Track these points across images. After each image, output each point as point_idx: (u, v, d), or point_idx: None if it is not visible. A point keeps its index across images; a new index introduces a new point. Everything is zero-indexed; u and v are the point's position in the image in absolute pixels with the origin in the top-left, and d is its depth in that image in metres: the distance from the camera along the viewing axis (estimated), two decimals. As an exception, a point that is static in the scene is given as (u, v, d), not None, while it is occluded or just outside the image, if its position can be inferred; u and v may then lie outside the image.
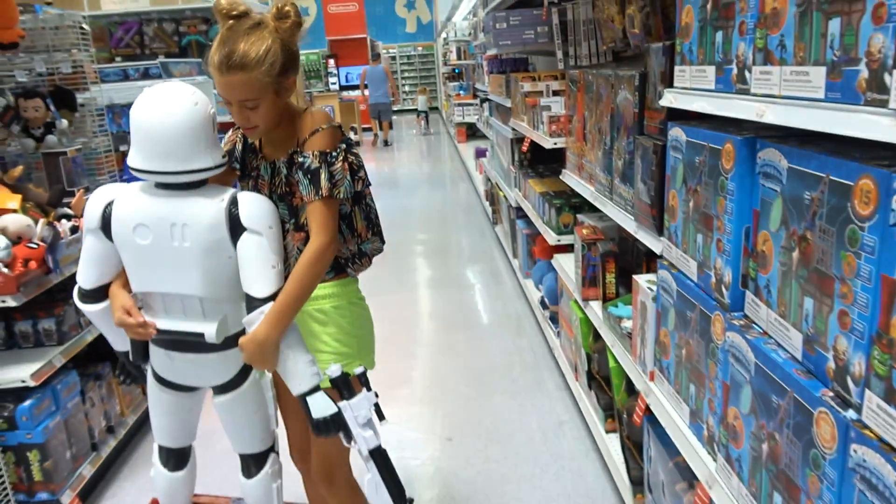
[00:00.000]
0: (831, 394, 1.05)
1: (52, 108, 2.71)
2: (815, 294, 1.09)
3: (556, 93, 3.67)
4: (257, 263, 1.58)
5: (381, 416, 1.62)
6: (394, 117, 14.74)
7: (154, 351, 1.76)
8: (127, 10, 8.40)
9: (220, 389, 1.79)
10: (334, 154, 1.61)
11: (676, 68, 1.65)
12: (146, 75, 5.45)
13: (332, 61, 15.79)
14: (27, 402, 2.33)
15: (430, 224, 7.18)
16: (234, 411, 1.83)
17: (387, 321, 4.28)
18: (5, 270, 2.21)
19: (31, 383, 2.30)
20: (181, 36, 7.96)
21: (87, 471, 2.58)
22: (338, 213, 1.65)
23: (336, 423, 1.57)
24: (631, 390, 2.22)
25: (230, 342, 1.67)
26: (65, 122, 2.79)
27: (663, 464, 1.88)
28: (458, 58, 12.72)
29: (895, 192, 0.90)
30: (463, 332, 4.08)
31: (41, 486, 2.37)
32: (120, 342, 1.82)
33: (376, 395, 1.61)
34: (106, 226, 1.63)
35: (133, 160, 1.56)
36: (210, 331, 1.63)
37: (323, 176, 1.58)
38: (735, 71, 1.34)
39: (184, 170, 1.53)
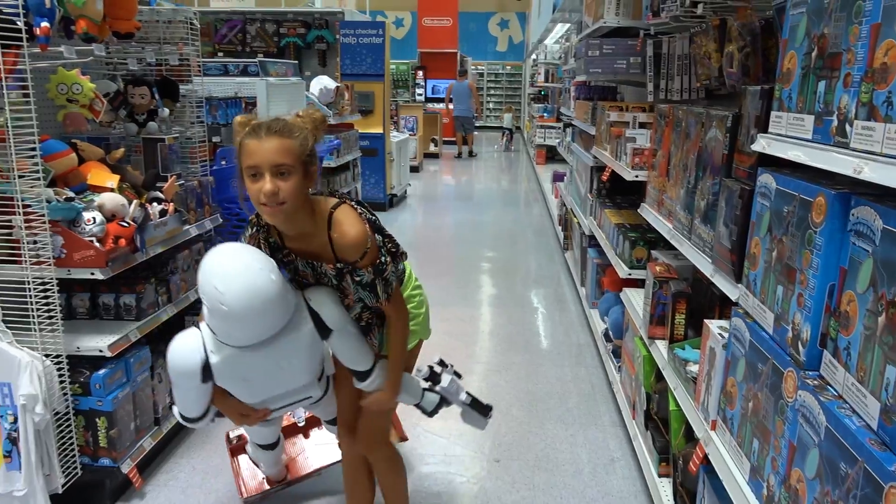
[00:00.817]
0: (907, 471, 1.00)
1: (157, 96, 2.86)
2: (899, 363, 1.04)
3: (642, 125, 3.62)
4: (355, 349, 1.98)
5: (458, 375, 2.24)
6: (476, 133, 14.95)
7: None
8: (234, 9, 8.81)
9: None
10: (384, 260, 1.84)
11: (773, 114, 1.60)
12: (245, 72, 5.67)
13: (420, 73, 16.07)
14: (101, 371, 2.45)
15: (500, 242, 7.18)
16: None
17: (446, 334, 4.31)
18: (97, 245, 2.34)
19: (108, 353, 2.42)
20: (281, 37, 8.31)
21: (147, 443, 2.69)
22: (400, 293, 1.98)
23: (441, 406, 2.24)
24: (689, 437, 2.16)
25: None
26: (166, 111, 2.94)
27: (716, 517, 1.82)
28: (546, 80, 12.71)
29: None
30: (522, 355, 4.05)
31: (105, 453, 2.49)
32: (195, 410, 2.02)
33: (451, 366, 2.24)
34: (206, 375, 1.85)
35: (232, 339, 1.79)
36: (317, 393, 2.08)
37: (380, 288, 1.85)
38: (835, 123, 1.30)
39: (274, 326, 1.81)
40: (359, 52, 7.85)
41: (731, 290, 1.81)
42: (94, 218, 2.35)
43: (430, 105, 14.73)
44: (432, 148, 13.84)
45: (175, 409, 2.05)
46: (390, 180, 8.38)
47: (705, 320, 1.93)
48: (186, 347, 1.84)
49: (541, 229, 7.69)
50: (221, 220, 3.31)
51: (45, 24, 2.17)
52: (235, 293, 1.65)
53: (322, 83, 5.26)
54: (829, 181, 1.38)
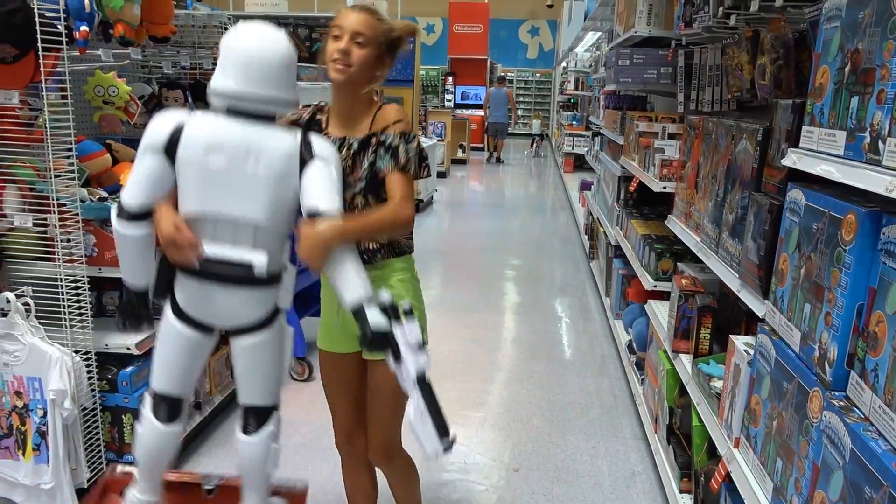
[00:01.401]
0: (934, 497, 0.98)
1: (190, 99, 2.91)
2: (928, 387, 1.02)
3: (671, 136, 3.59)
4: (327, 183, 1.66)
5: (424, 343, 1.65)
6: (505, 140, 15.10)
7: (184, 283, 1.76)
8: (267, 13, 8.93)
9: (245, 331, 1.81)
10: (411, 136, 1.80)
11: (804, 128, 1.58)
12: (276, 76, 5.73)
13: (450, 79, 16.13)
14: (128, 369, 2.50)
15: (525, 249, 7.16)
16: (252, 356, 1.85)
17: (469, 341, 4.31)
18: (128, 244, 2.38)
19: (136, 351, 2.47)
20: (312, 41, 8.37)
21: (171, 441, 2.72)
22: (411, 186, 1.80)
23: (387, 340, 1.59)
24: (712, 453, 2.13)
25: (267, 281, 1.74)
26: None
27: (737, 536, 1.79)
28: (576, 88, 12.67)
29: None
30: (544, 364, 4.03)
31: (129, 449, 2.53)
32: (142, 276, 1.80)
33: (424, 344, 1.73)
34: (171, 147, 1.65)
35: (223, 83, 1.63)
36: (260, 261, 1.67)
37: (402, 151, 1.77)
38: (868, 140, 1.28)
39: (278, 96, 1.64)
40: (389, 58, 7.91)
41: (757, 306, 1.79)
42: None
43: (458, 111, 14.77)
44: (460, 154, 13.87)
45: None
46: (417, 186, 8.40)
47: (731, 336, 1.91)
48: (170, 113, 1.71)
49: (567, 238, 7.66)
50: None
51: (84, 27, 2.23)
52: (251, 33, 1.64)
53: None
54: (860, 199, 1.36)
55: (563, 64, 15.12)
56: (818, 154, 1.49)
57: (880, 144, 1.23)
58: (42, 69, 2.09)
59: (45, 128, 2.17)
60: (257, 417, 1.90)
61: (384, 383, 1.88)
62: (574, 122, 11.83)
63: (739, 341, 1.86)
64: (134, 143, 2.87)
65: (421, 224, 8.21)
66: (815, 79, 1.55)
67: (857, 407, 1.25)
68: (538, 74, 21.35)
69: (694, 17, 3.19)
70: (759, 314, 1.75)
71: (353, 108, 1.83)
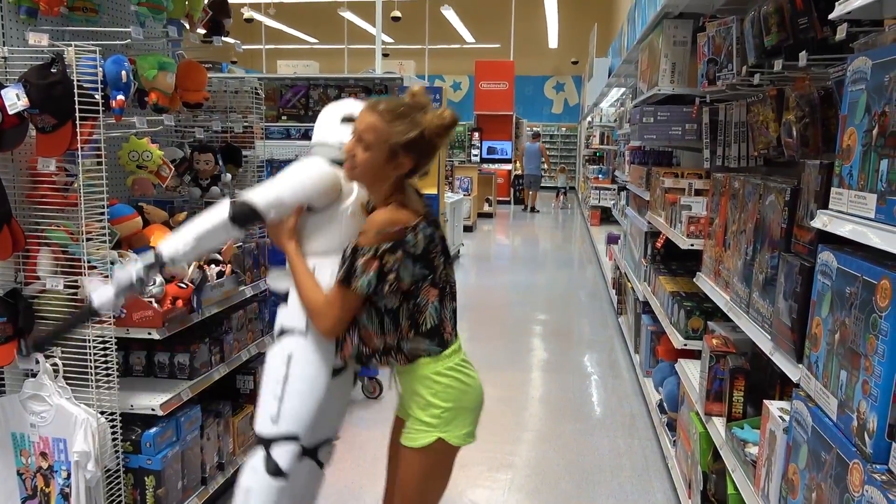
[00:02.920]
0: None
1: (221, 162, 2.98)
2: (977, 466, 0.97)
3: (698, 192, 3.57)
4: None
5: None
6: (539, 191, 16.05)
7: None
8: (298, 75, 9.21)
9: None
10: (364, 249, 1.73)
11: (833, 190, 1.56)
12: (305, 136, 5.89)
13: (476, 134, 16.36)
14: (152, 430, 2.49)
15: (552, 304, 7.10)
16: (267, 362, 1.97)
17: (495, 399, 4.23)
18: (156, 305, 2.41)
19: (160, 412, 2.46)
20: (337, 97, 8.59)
21: (194, 502, 2.69)
22: (349, 303, 1.78)
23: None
24: (749, 523, 2.04)
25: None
26: (229, 176, 3.06)
27: None
28: (601, 142, 12.76)
29: None
30: (572, 424, 3.94)
31: (152, 511, 2.51)
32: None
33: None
34: None
35: None
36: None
37: (345, 266, 1.75)
38: (899, 203, 1.25)
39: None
40: (416, 116, 8.05)
41: (791, 370, 1.73)
42: (154, 280, 2.42)
43: (483, 166, 14.93)
44: (486, 207, 13.96)
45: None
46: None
47: (765, 401, 1.85)
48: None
49: (594, 292, 7.58)
50: (276, 281, 3.37)
51: (121, 97, 2.31)
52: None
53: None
54: (893, 263, 1.33)
55: (589, 118, 15.29)
56: (848, 216, 1.46)
57: (912, 208, 1.21)
58: (79, 137, 2.15)
59: (80, 193, 2.23)
60: (257, 442, 1.97)
61: (403, 470, 1.91)
62: (600, 176, 11.87)
63: (774, 406, 1.79)
64: (164, 204, 2.94)
65: (447, 278, 8.22)
66: (843, 140, 1.53)
67: (901, 482, 1.19)
68: (564, 129, 21.58)
69: (717, 76, 3.20)
70: (794, 379, 1.70)
71: (374, 203, 1.88)
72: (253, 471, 1.90)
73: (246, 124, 3.26)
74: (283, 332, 1.96)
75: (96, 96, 2.19)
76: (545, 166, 16.65)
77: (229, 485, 3.01)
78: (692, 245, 3.03)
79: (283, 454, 1.88)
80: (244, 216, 1.88)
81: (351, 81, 8.42)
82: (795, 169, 2.48)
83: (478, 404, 1.93)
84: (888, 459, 1.24)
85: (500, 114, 16.22)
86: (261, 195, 1.91)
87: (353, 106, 1.92)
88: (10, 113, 2.06)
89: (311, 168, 1.91)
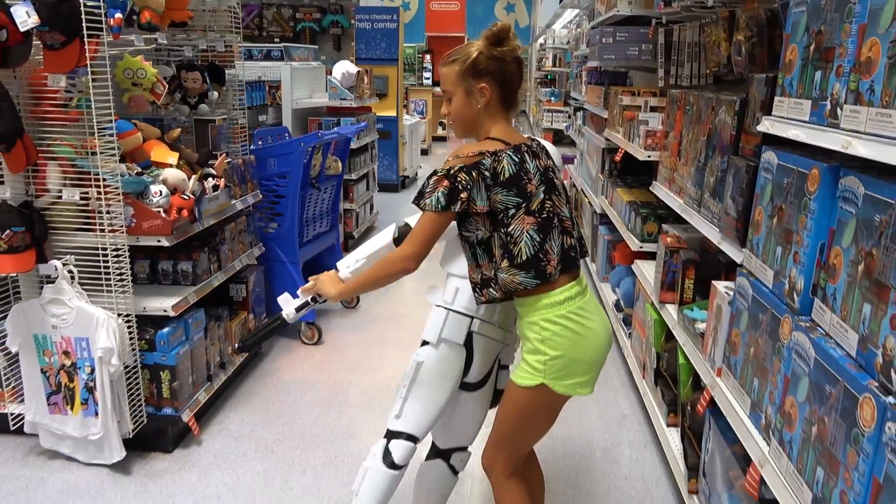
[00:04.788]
0: (876, 384, 1.26)
1: (208, 81, 3.09)
2: (873, 301, 1.30)
3: (653, 108, 3.85)
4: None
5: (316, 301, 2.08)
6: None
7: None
8: (254, -6, 8.98)
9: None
10: (438, 170, 1.77)
11: (776, 99, 1.84)
12: (268, 57, 5.90)
13: (427, 56, 16.22)
14: (165, 329, 2.71)
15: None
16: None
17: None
18: (164, 215, 2.59)
19: (171, 313, 2.68)
20: (297, 22, 8.48)
21: (202, 396, 2.96)
22: (430, 226, 1.78)
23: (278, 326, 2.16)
24: (696, 386, 2.42)
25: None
26: (216, 94, 3.18)
27: (721, 452, 2.08)
28: (554, 65, 12.88)
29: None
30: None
31: (167, 403, 2.75)
32: None
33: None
34: None
35: None
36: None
37: (421, 188, 1.78)
38: (828, 107, 1.54)
39: None
40: (373, 37, 8.05)
41: (736, 254, 2.06)
42: (160, 191, 2.60)
43: (437, 89, 14.91)
44: (440, 131, 14.06)
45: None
46: (403, 162, 8.61)
47: (713, 282, 2.19)
48: None
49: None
50: (260, 196, 3.55)
51: (118, 15, 2.41)
52: None
53: (344, 68, 5.47)
54: (822, 157, 1.63)
55: (541, 41, 15.31)
56: (788, 120, 1.75)
57: (838, 111, 1.49)
58: (87, 54, 2.27)
59: (90, 108, 2.36)
60: (385, 435, 2.04)
61: (505, 402, 1.92)
62: (553, 98, 12.04)
63: (721, 285, 2.13)
64: (154, 122, 3.06)
65: (407, 200, 8.43)
66: (786, 55, 1.80)
67: (819, 326, 1.52)
68: (514, 51, 21.45)
69: (673, -3, 3.43)
70: (738, 260, 2.02)
71: (474, 132, 1.91)
72: (373, 456, 2.02)
73: (226, 43, 3.35)
74: (422, 343, 2.04)
75: (102, 14, 2.29)
76: None
77: (230, 382, 3.29)
78: (649, 156, 3.33)
79: (399, 449, 1.98)
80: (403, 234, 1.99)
81: (305, 1, 8.31)
82: (743, 86, 2.77)
83: (595, 356, 1.84)
84: (811, 311, 1.57)
85: (452, 35, 16.07)
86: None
87: None
88: (22, 30, 2.16)
89: None
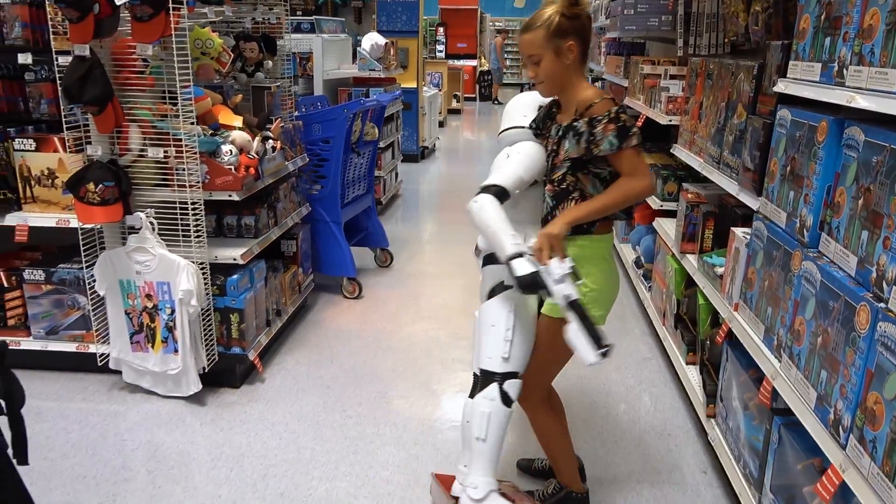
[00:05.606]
0: (871, 294, 1.53)
1: (264, 49, 3.36)
2: (869, 228, 1.57)
3: (672, 76, 4.09)
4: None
5: (577, 278, 1.93)
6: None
7: None
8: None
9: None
10: (611, 114, 1.94)
11: (790, 63, 2.10)
12: (297, 30, 6.13)
13: (441, 29, 16.34)
14: (235, 276, 3.01)
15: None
16: (479, 323, 2.17)
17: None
18: (234, 172, 2.87)
19: (240, 261, 2.98)
20: (322, -5, 8.67)
21: (263, 339, 3.27)
22: (641, 156, 1.99)
23: (535, 281, 1.91)
24: (714, 323, 2.71)
25: (487, 261, 2.21)
26: (270, 63, 3.44)
27: (737, 377, 2.37)
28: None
29: (930, 155, 1.36)
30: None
31: (236, 343, 3.06)
32: None
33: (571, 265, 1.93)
34: None
35: None
36: (480, 238, 2.23)
37: (610, 132, 1.92)
38: (836, 68, 1.80)
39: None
40: (394, 10, 8.24)
41: (753, 202, 2.33)
42: (231, 150, 2.88)
43: (450, 61, 15.07)
44: (454, 104, 14.24)
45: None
46: (423, 133, 8.85)
47: (732, 228, 2.46)
48: None
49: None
50: (307, 159, 3.83)
51: (194, -11, 2.67)
52: None
53: (373, 39, 5.71)
54: (830, 112, 1.88)
55: (553, 13, 15.43)
56: (801, 81, 2.01)
57: (844, 71, 1.75)
58: (172, 25, 2.53)
59: (161, 76, 2.63)
60: (481, 382, 2.13)
61: (539, 334, 2.15)
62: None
63: (739, 231, 2.40)
64: (214, 89, 3.33)
65: (427, 170, 8.72)
66: (800, 24, 2.05)
67: (825, 255, 1.80)
68: (526, 23, 21.50)
69: (693, -30, 3.65)
70: (755, 207, 2.29)
71: (566, 98, 2.09)
72: (490, 400, 2.10)
73: (276, 16, 3.61)
74: (498, 288, 2.14)
75: (180, -11, 2.55)
76: (501, 62, 18.09)
77: (283, 329, 3.60)
78: (670, 121, 3.58)
79: (512, 387, 2.11)
80: (499, 195, 2.07)
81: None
82: (758, 55, 3.01)
83: (614, 294, 2.16)
84: (818, 244, 1.85)
85: (465, 8, 16.19)
86: (508, 175, 2.10)
87: (539, 98, 2.19)
88: (118, 3, 2.43)
89: (532, 148, 2.15)
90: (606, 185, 2.03)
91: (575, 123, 2.00)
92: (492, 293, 2.16)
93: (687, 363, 3.03)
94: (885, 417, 1.40)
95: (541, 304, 2.21)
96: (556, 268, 1.91)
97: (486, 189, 2.07)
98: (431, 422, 2.91)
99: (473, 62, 16.47)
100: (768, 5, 2.76)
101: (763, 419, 2.11)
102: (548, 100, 2.21)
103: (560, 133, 2.06)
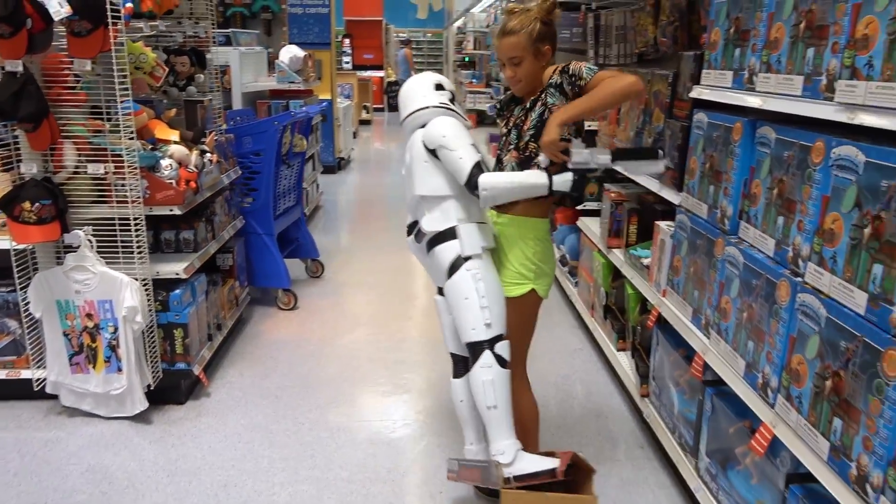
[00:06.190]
0: (789, 271, 1.76)
1: (196, 64, 3.35)
2: (784, 213, 1.80)
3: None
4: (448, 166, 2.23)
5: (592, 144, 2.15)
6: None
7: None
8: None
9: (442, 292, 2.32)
10: (566, 67, 2.16)
11: (704, 71, 2.34)
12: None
13: (347, 41, 16.38)
14: (178, 291, 2.99)
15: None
16: (449, 302, 2.25)
17: (393, 271, 4.98)
18: (175, 186, 2.87)
19: (183, 276, 2.96)
20: (226, 7, 8.54)
21: (206, 353, 3.25)
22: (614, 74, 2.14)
23: (582, 177, 2.13)
24: (643, 310, 2.94)
25: (434, 242, 2.27)
26: (202, 77, 3.44)
27: (668, 357, 2.60)
28: (475, 48, 13.36)
29: (833, 148, 1.60)
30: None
31: (180, 358, 3.04)
32: None
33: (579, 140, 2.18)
34: None
35: None
36: (422, 222, 2.30)
37: (580, 72, 2.13)
38: (746, 76, 2.04)
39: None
40: (305, 22, 8.26)
41: (675, 197, 2.57)
42: (171, 164, 2.87)
43: (359, 73, 15.13)
44: (364, 115, 14.31)
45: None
46: (339, 144, 8.88)
47: (656, 222, 2.70)
48: None
49: (482, 185, 8.40)
50: (240, 172, 3.83)
51: (129, 4, 2.67)
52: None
53: (292, 52, 5.73)
54: (740, 114, 2.13)
55: (460, 23, 15.76)
56: (714, 87, 2.25)
57: (754, 78, 2.00)
58: (112, 40, 2.52)
59: (91, 90, 2.60)
60: (471, 356, 2.21)
61: (511, 313, 2.24)
62: (474, 80, 12.54)
63: (663, 224, 2.64)
64: (146, 103, 3.30)
65: (344, 181, 8.75)
66: (710, 37, 2.30)
67: (745, 241, 2.03)
68: (429, 34, 21.86)
69: (601, -14, 3.93)
70: (677, 202, 2.53)
71: (534, 86, 2.25)
72: (488, 367, 2.17)
73: (204, 30, 3.60)
74: (456, 266, 2.21)
75: (120, 4, 2.55)
76: (413, 72, 17.93)
77: (225, 342, 3.59)
78: (589, 126, 3.83)
79: (503, 348, 2.19)
80: (481, 167, 2.17)
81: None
82: (665, 63, 3.29)
83: (553, 268, 2.36)
84: (738, 231, 2.08)
85: (370, 19, 16.30)
86: (469, 153, 2.18)
87: (436, 76, 2.36)
88: (56, 19, 2.40)
89: (452, 120, 2.26)
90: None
91: (548, 87, 2.18)
92: (451, 270, 2.22)
93: (618, 350, 3.26)
94: (808, 375, 1.62)
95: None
96: (578, 153, 2.09)
97: (472, 175, 2.14)
98: (383, 421, 3.00)
99: (381, 73, 16.60)
100: (675, 19, 3.04)
101: (695, 392, 2.34)
102: (439, 78, 2.39)
103: (528, 107, 2.24)
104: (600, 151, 2.10)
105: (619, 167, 2.15)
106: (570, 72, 2.16)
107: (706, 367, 2.21)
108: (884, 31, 1.43)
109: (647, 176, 2.13)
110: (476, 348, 2.18)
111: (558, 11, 2.24)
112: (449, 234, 2.24)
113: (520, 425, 2.28)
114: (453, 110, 2.33)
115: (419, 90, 2.35)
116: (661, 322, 2.64)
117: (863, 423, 1.41)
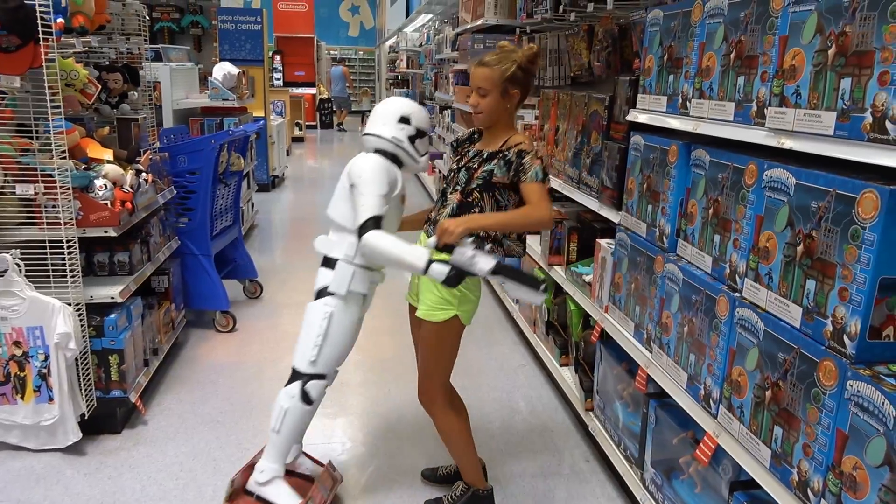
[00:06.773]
0: (727, 287, 1.86)
1: (129, 81, 3.26)
2: (720, 232, 1.90)
3: (525, 106, 4.45)
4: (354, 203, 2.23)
5: (482, 246, 2.13)
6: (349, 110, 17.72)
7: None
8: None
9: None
10: (528, 153, 2.21)
11: (639, 96, 2.45)
12: (141, 57, 5.89)
13: (277, 57, 16.20)
14: (113, 315, 2.88)
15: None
16: (309, 313, 2.34)
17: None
18: (110, 207, 2.77)
19: (119, 299, 2.86)
20: (154, 22, 8.35)
21: (142, 380, 3.14)
22: (546, 191, 2.20)
23: (458, 274, 2.05)
24: (586, 326, 3.02)
25: (323, 261, 2.35)
26: (135, 94, 3.34)
27: (611, 371, 2.68)
28: (408, 66, 13.45)
29: (765, 170, 1.70)
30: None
31: (116, 385, 2.92)
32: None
33: (487, 247, 2.16)
34: None
35: None
36: (318, 238, 2.34)
37: (529, 168, 2.18)
38: (680, 100, 2.15)
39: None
40: (237, 38, 8.14)
41: (614, 216, 2.66)
42: (105, 185, 2.77)
43: (292, 89, 14.98)
44: (297, 132, 14.16)
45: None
46: (272, 162, 8.75)
47: (597, 240, 2.78)
48: None
49: (420, 204, 8.45)
50: (175, 192, 3.73)
51: (60, 20, 2.57)
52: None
53: (225, 69, 5.63)
54: (676, 137, 2.24)
55: (392, 41, 15.86)
56: (650, 111, 2.35)
57: (688, 103, 2.10)
58: (43, 57, 2.43)
59: (37, 108, 2.51)
60: (291, 377, 2.34)
61: (424, 338, 2.34)
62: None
63: (604, 242, 2.73)
64: (77, 121, 3.19)
65: (279, 199, 8.63)
66: (645, 63, 2.41)
67: (683, 258, 2.13)
68: (361, 52, 21.88)
69: (534, 10, 4.06)
70: (616, 221, 2.62)
71: (493, 132, 2.33)
72: (290, 396, 2.32)
73: (137, 46, 3.51)
74: (323, 293, 2.30)
75: (50, 20, 2.46)
76: (350, 89, 17.98)
77: (161, 367, 3.48)
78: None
79: (315, 388, 2.32)
80: (378, 223, 2.16)
81: (162, 1, 8.22)
82: (599, 87, 3.42)
83: (479, 295, 2.36)
84: (676, 249, 2.18)
85: (301, 36, 16.18)
86: (373, 204, 2.18)
87: (409, 107, 2.33)
88: (-18, 35, 2.29)
89: (379, 163, 2.25)
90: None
91: (504, 153, 2.23)
92: (317, 295, 2.32)
93: (561, 365, 3.32)
94: (749, 386, 1.71)
95: (415, 309, 2.36)
96: (461, 253, 2.05)
97: (365, 226, 2.13)
98: (330, 444, 2.96)
99: (312, 90, 16.47)
100: (608, 44, 3.16)
101: (639, 405, 2.41)
102: (413, 106, 2.37)
103: (484, 157, 2.28)
104: (486, 259, 2.05)
105: (496, 280, 2.11)
106: (523, 163, 2.21)
107: (649, 379, 2.29)
108: (809, 62, 1.53)
109: (520, 300, 2.17)
110: (294, 374, 2.34)
111: (540, 62, 2.29)
112: (332, 263, 2.32)
113: (449, 445, 2.42)
114: (402, 149, 2.30)
115: (382, 116, 2.33)
116: (604, 337, 2.72)
117: (802, 430, 1.49)
